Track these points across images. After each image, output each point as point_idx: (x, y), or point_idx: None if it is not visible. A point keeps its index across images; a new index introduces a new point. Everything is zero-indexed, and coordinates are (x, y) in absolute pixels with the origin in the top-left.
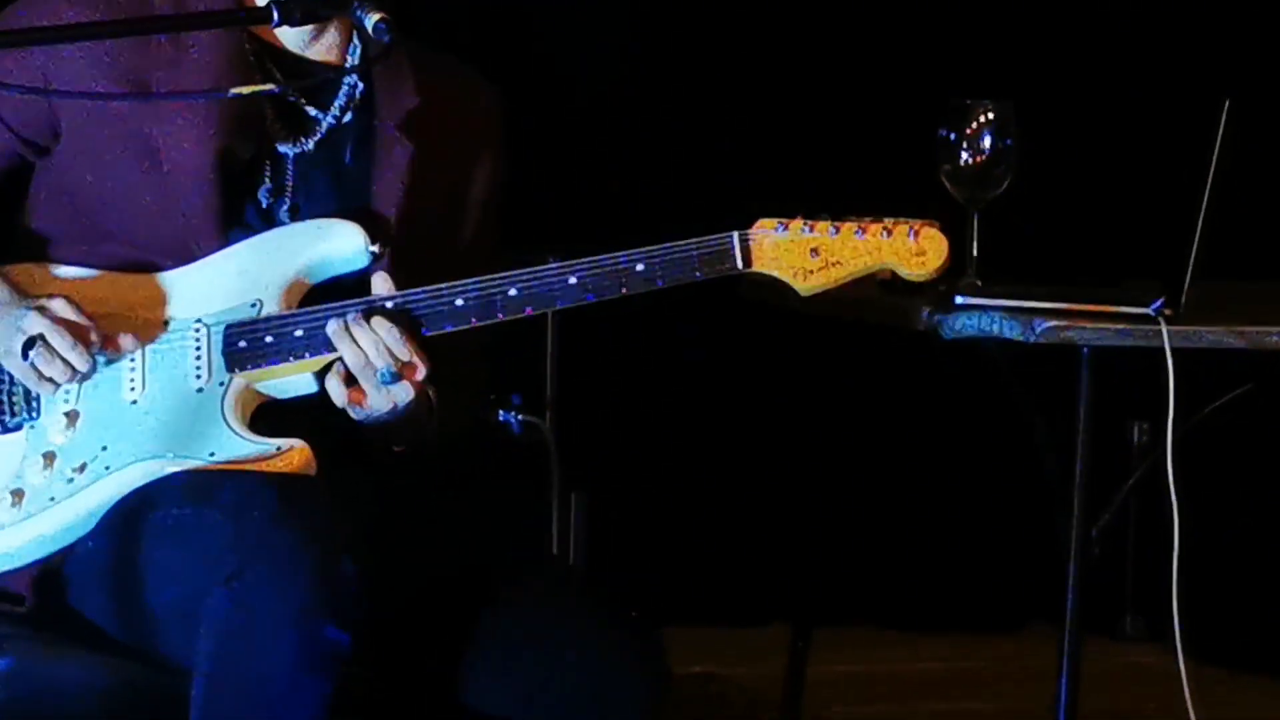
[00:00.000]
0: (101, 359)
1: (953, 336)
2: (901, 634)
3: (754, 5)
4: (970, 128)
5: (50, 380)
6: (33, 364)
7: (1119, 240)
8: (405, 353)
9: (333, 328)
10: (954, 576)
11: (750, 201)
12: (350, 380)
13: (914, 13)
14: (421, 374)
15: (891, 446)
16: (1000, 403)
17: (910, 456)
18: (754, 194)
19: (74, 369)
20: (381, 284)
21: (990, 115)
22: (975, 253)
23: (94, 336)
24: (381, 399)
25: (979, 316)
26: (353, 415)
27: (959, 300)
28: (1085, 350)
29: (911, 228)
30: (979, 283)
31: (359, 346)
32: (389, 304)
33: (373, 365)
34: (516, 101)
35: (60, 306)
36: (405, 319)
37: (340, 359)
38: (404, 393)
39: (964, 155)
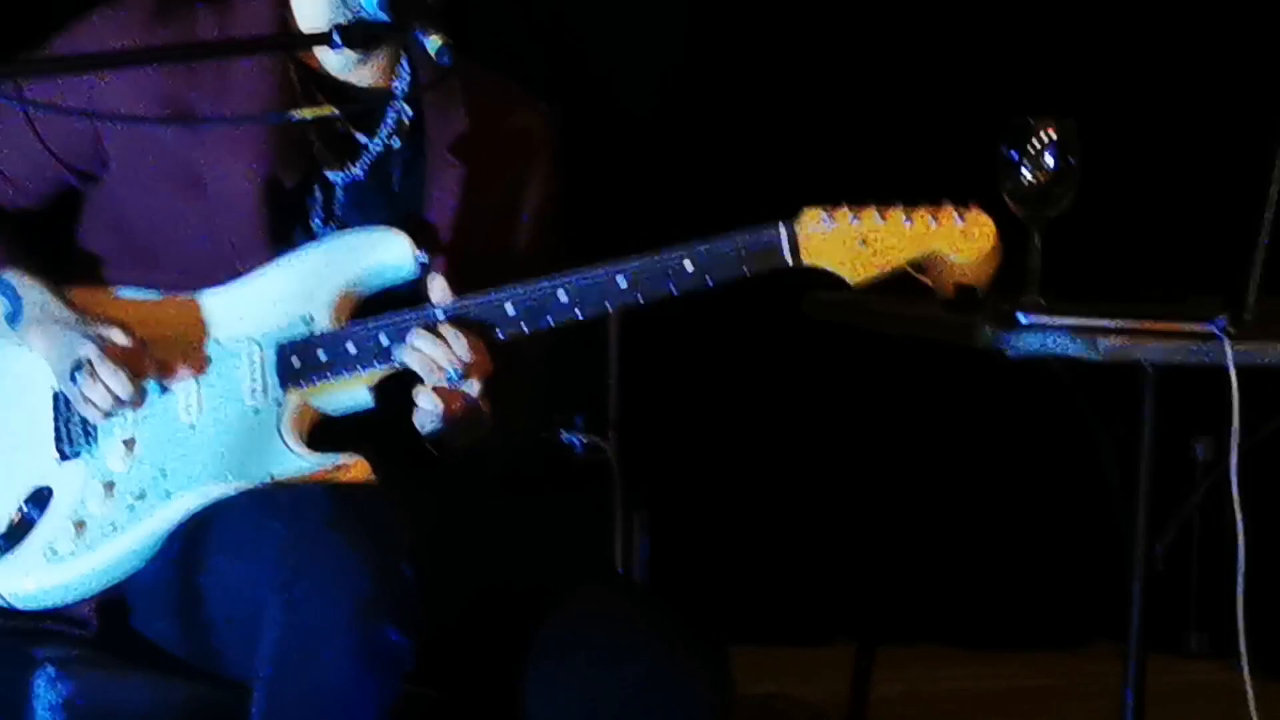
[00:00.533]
0: (156, 385)
1: (1017, 355)
2: (965, 652)
3: (817, 15)
4: (1032, 145)
5: (91, 404)
6: (79, 389)
7: (1182, 257)
8: (469, 354)
9: (397, 352)
10: (1017, 594)
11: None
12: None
13: (976, 27)
14: (487, 369)
15: (954, 464)
16: (1063, 419)
17: (973, 474)
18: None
19: (116, 396)
20: (439, 289)
21: (1053, 133)
22: (1038, 271)
23: (147, 363)
24: (456, 399)
25: (1043, 335)
26: (426, 424)
27: (1022, 319)
28: (1149, 368)
29: (958, 212)
30: (1042, 301)
31: (425, 355)
32: (440, 314)
33: (443, 370)
34: (564, 109)
35: (117, 335)
36: (465, 323)
37: (396, 372)
38: (472, 389)
39: (1026, 173)
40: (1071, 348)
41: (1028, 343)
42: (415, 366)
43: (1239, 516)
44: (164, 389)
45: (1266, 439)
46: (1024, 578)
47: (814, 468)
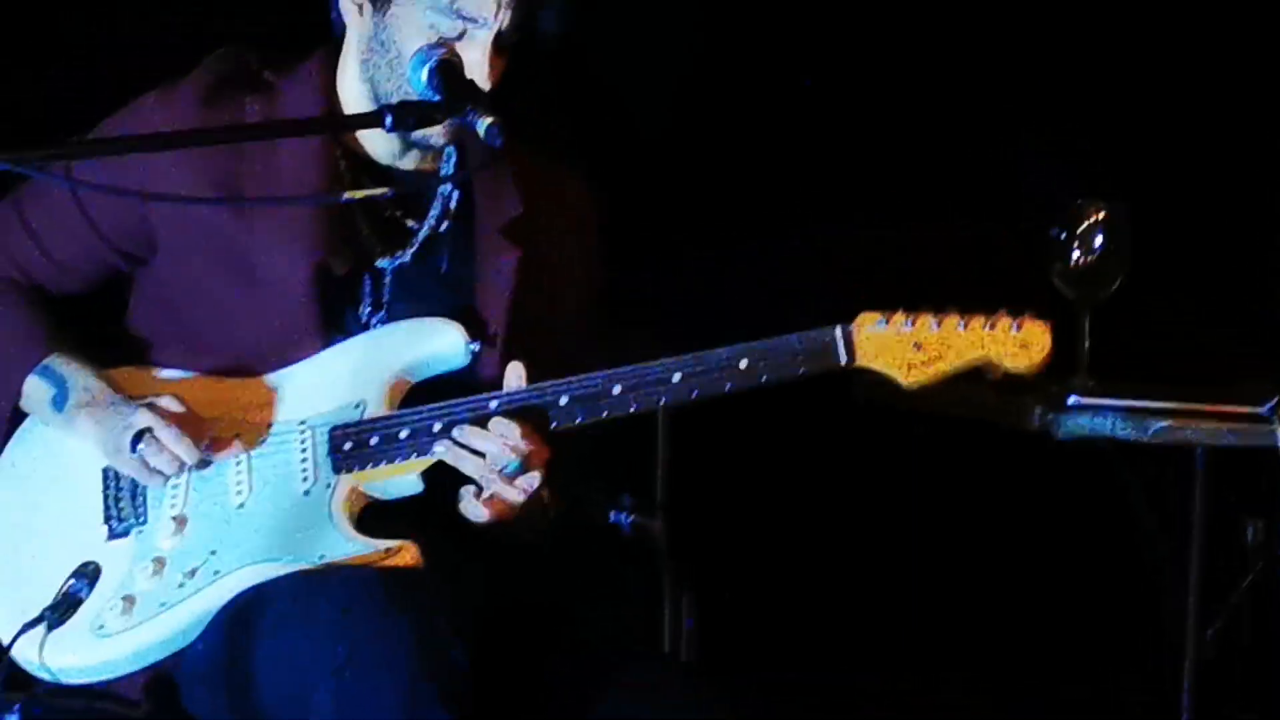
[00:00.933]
0: (208, 462)
1: (1066, 437)
2: None
3: (870, 100)
4: (1082, 227)
5: (158, 472)
6: (141, 457)
7: (1233, 340)
8: (525, 445)
9: (441, 448)
10: (1065, 676)
11: (856, 300)
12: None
13: (1025, 113)
14: (545, 458)
15: (1002, 545)
16: (1111, 502)
17: (1020, 556)
18: (858, 293)
19: (182, 462)
20: (514, 376)
21: (1102, 215)
22: (1087, 352)
23: (204, 429)
24: (513, 492)
25: (1092, 416)
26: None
27: (1072, 400)
28: (1199, 450)
29: (1014, 320)
30: (1091, 382)
31: (478, 454)
32: (493, 404)
33: (495, 465)
34: (612, 190)
35: (169, 402)
36: (522, 414)
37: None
38: (532, 481)
39: (1075, 254)
40: (1121, 429)
41: (1077, 424)
42: (464, 466)
43: None
44: (215, 466)
45: None
46: (1073, 660)
47: (861, 548)
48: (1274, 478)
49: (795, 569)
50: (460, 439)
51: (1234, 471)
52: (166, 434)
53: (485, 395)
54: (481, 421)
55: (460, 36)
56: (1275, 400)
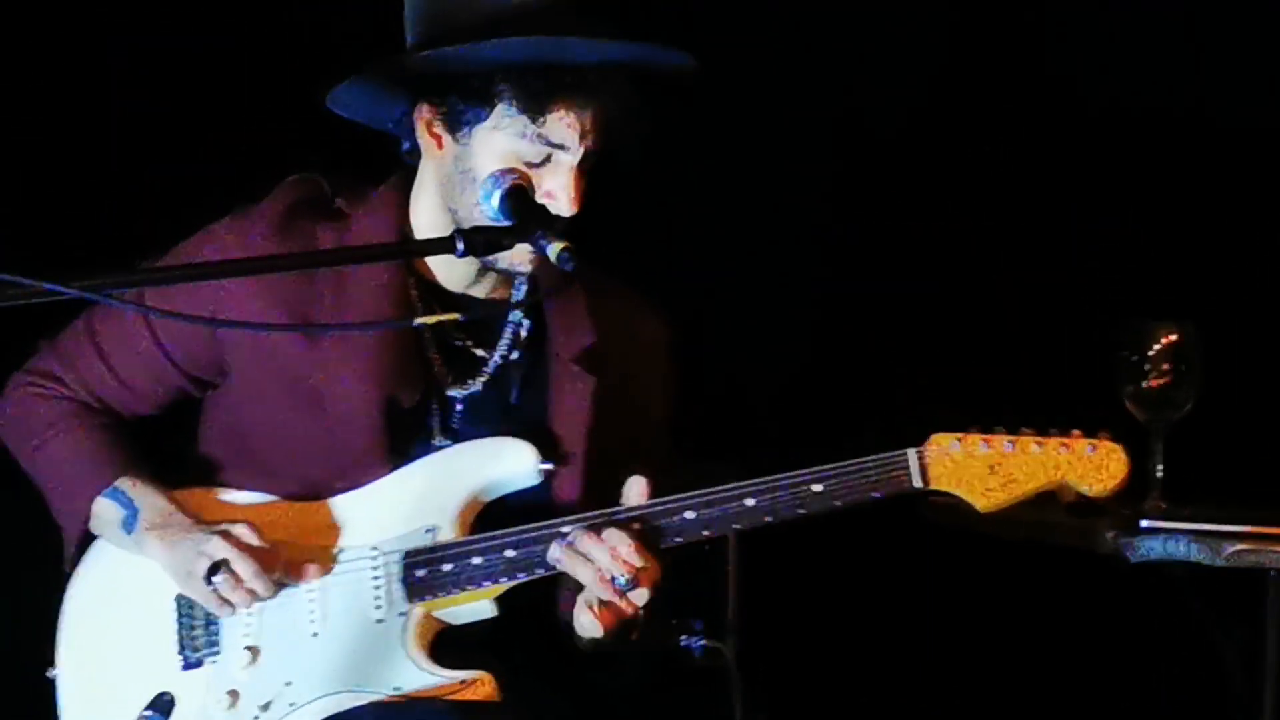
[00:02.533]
0: (281, 590)
1: (1139, 560)
2: None
3: (935, 220)
4: (1152, 349)
5: (230, 604)
6: (216, 590)
7: None
8: (638, 559)
9: (556, 552)
10: None
11: (928, 421)
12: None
13: (1093, 233)
14: (656, 576)
15: (1075, 670)
16: (1184, 626)
17: (1091, 681)
18: (930, 414)
19: (258, 596)
20: (635, 492)
21: (1172, 336)
22: (1159, 474)
23: (279, 560)
24: (623, 606)
25: (1165, 540)
26: (584, 636)
27: (1144, 524)
28: (1273, 573)
29: (1090, 442)
30: (1163, 505)
31: (590, 560)
32: (565, 531)
33: (608, 576)
34: (682, 316)
35: (244, 532)
36: (636, 527)
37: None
38: (641, 597)
39: (1147, 377)
40: (1194, 553)
41: (1149, 548)
42: (580, 575)
43: None
44: (288, 594)
45: None
46: None
47: (934, 670)
48: None
49: (867, 691)
50: (578, 546)
51: None
52: (244, 567)
53: (559, 522)
54: (595, 532)
55: (544, 163)
56: None
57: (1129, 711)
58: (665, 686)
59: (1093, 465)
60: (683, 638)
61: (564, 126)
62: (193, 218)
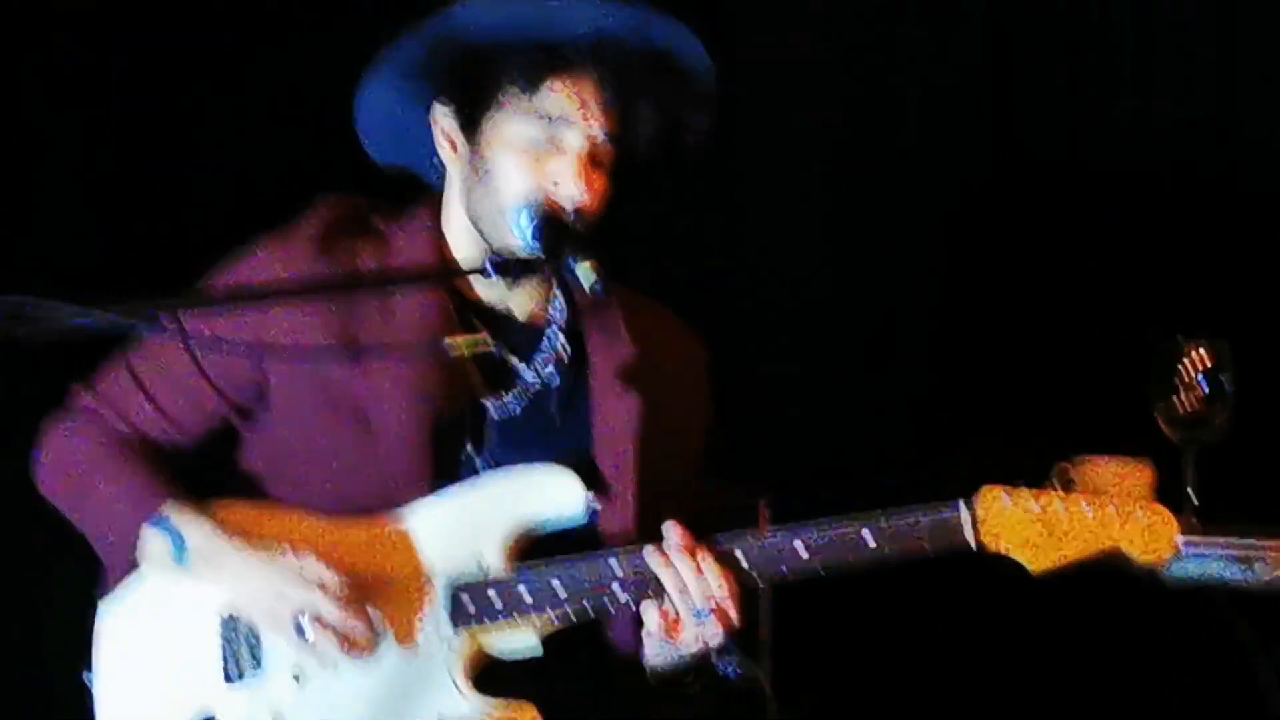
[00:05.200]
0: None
1: (1175, 582)
2: None
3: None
4: (1185, 368)
5: (322, 653)
6: (308, 642)
7: None
8: (722, 592)
9: (655, 560)
10: None
11: (965, 445)
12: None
13: (1124, 251)
14: (729, 623)
15: (1110, 693)
16: (1222, 647)
17: (1129, 704)
18: (967, 437)
19: (361, 650)
20: (676, 539)
21: (1205, 355)
22: (1194, 494)
23: (364, 602)
24: (691, 635)
25: (1200, 560)
26: (649, 653)
27: (1180, 544)
28: None
29: (1141, 507)
30: (1199, 525)
31: (679, 575)
32: (615, 565)
33: (689, 597)
34: (717, 342)
35: (326, 577)
36: (726, 560)
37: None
38: (713, 633)
39: (1179, 396)
40: (1230, 572)
41: (1186, 569)
42: (667, 582)
43: None
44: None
45: None
46: None
47: (970, 691)
48: None
49: (905, 712)
50: (677, 562)
51: None
52: (341, 620)
53: (607, 554)
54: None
55: (553, 149)
56: None
57: None
58: (702, 709)
59: (1144, 532)
60: (719, 661)
61: (562, 99)
62: (225, 239)
